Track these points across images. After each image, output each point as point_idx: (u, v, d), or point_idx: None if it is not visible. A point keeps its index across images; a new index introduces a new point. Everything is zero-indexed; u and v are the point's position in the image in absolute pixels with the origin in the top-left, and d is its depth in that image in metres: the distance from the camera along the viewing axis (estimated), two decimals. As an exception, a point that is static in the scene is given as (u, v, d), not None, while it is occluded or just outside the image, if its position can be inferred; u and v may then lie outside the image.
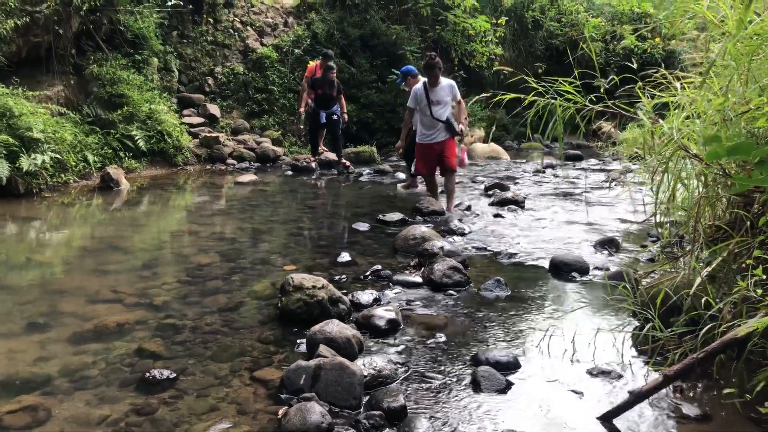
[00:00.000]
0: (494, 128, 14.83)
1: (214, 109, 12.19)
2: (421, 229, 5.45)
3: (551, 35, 17.95)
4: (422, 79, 8.55)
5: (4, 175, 7.18)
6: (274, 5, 14.66)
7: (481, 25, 15.28)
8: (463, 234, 5.93)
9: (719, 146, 1.54)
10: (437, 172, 7.32)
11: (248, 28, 13.80)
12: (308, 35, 13.99)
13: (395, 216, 6.51)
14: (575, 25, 17.89)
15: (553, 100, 3.76)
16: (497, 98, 4.12)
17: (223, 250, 5.28)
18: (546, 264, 4.90)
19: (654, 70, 4.03)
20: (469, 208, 7.22)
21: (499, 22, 16.31)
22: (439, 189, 7.50)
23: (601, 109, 3.75)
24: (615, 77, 3.95)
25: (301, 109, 11.24)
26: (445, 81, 6.89)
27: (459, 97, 6.96)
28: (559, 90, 3.75)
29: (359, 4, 14.54)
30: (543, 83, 3.78)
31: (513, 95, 4.03)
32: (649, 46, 16.27)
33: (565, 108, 3.72)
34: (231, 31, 13.41)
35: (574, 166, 11.70)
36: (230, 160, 11.06)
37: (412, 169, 8.13)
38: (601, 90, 3.74)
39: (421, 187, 8.24)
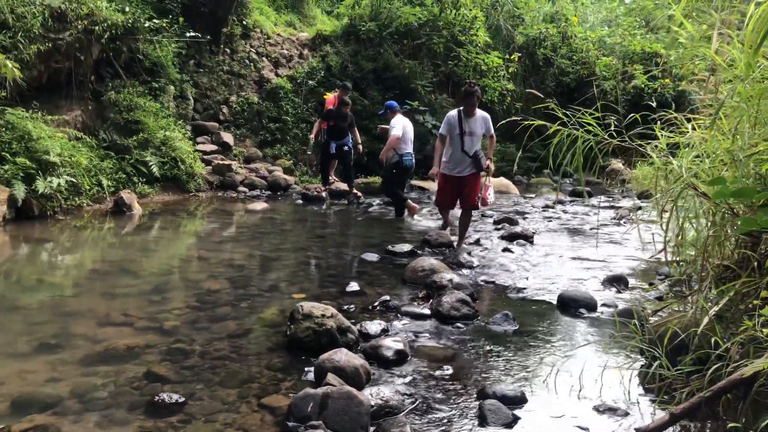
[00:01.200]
0: (515, 164, 14.93)
1: (227, 137, 12.37)
2: (430, 261, 5.49)
3: (562, 72, 18.18)
4: (401, 116, 9.01)
5: (20, 197, 7.31)
6: (290, 37, 14.99)
7: (494, 61, 15.52)
8: (471, 267, 5.97)
9: (724, 188, 1.60)
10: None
11: (264, 59, 14.09)
12: (322, 67, 14.26)
13: (404, 247, 6.56)
14: (586, 63, 18.13)
15: (575, 131, 3.82)
16: (524, 124, 4.16)
17: (232, 277, 5.33)
18: (554, 299, 4.92)
19: (664, 111, 4.11)
20: (478, 241, 7.26)
21: (511, 58, 16.57)
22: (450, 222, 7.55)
23: (618, 143, 3.80)
24: (636, 115, 4.01)
25: (312, 136, 11.41)
26: (480, 113, 6.66)
27: (492, 131, 6.74)
28: (579, 121, 3.81)
29: (374, 38, 14.86)
30: (563, 115, 3.84)
31: (537, 122, 4.08)
32: (660, 86, 16.43)
33: (585, 140, 3.77)
34: (247, 61, 13.69)
35: (584, 202, 11.74)
36: (242, 188, 11.19)
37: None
38: (612, 126, 3.81)
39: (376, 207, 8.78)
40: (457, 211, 7.29)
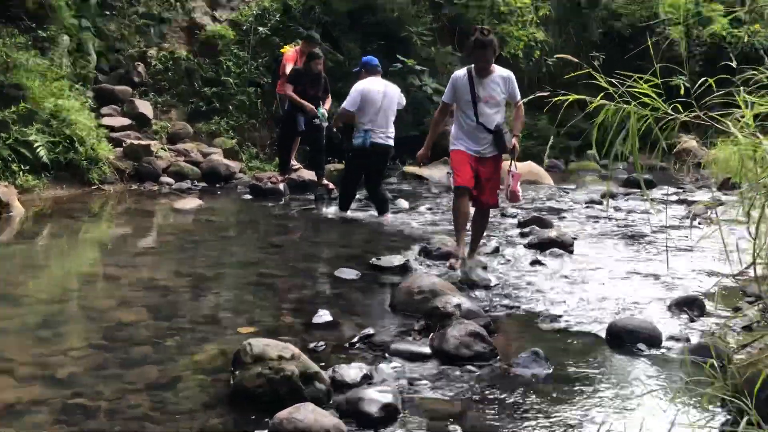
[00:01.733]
0: (549, 145, 15.04)
1: (144, 106, 12.35)
2: (431, 280, 5.50)
3: (612, 16, 18.33)
4: (373, 79, 8.97)
5: None
6: (233, -34, 14.99)
7: (518, 0, 15.58)
8: (488, 287, 6.00)
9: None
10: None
11: (196, -4, 14.09)
12: (278, 8, 14.27)
13: (394, 260, 6.58)
14: (645, 2, 18.27)
15: (625, 105, 3.84)
16: (556, 99, 4.19)
17: (153, 304, 5.31)
18: (602, 331, 4.95)
19: (754, 69, 4.15)
20: (497, 250, 7.30)
21: (542, -4, 16.68)
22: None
23: (686, 119, 3.83)
24: (711, 80, 4.04)
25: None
26: (499, 71, 6.62)
27: (519, 96, 6.66)
28: (633, 91, 3.83)
29: (349, -34, 14.88)
30: (614, 80, 3.87)
31: (576, 96, 4.10)
32: (747, 34, 16.60)
33: (641, 116, 3.80)
34: (171, 0, 13.65)
35: (644, 195, 11.80)
36: (166, 178, 11.17)
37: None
38: (682, 91, 3.85)
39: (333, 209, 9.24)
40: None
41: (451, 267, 6.49)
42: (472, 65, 6.58)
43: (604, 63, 15.42)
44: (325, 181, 11.01)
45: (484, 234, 7.17)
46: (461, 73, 6.67)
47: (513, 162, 6.79)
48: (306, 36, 11.53)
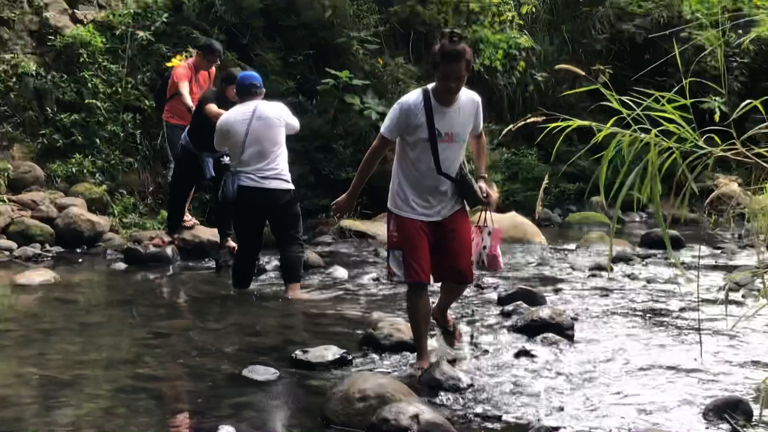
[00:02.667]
0: (541, 189, 15.19)
1: (-26, 141, 12.23)
2: (378, 380, 5.46)
3: (621, 16, 18.74)
4: (251, 102, 9.05)
5: None
6: (102, -53, 15.03)
7: (493, -6, 15.87)
8: (458, 389, 5.96)
9: None
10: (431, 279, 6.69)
11: (51, -12, 14.07)
12: (165, 5, 14.33)
13: (327, 353, 6.54)
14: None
15: (644, 135, 3.88)
16: (552, 126, 4.23)
17: (-16, 421, 5.19)
18: (614, 449, 4.95)
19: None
20: (472, 337, 7.29)
21: (526, -14, 16.99)
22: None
23: (724, 155, 3.88)
24: (755, 102, 4.10)
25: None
26: (466, 95, 6.40)
27: (481, 127, 6.62)
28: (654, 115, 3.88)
29: (264, -49, 15.03)
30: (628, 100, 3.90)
31: (579, 122, 4.13)
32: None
33: (664, 150, 3.84)
34: (16, -7, 13.64)
35: (668, 258, 11.94)
36: (5, 241, 11.04)
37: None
38: (717, 116, 3.93)
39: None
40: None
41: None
42: (430, 86, 6.34)
43: (611, 78, 15.76)
44: (231, 243, 10.98)
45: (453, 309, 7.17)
46: (414, 97, 6.37)
47: (488, 215, 6.79)
48: (204, 44, 11.55)
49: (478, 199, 6.55)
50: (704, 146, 3.80)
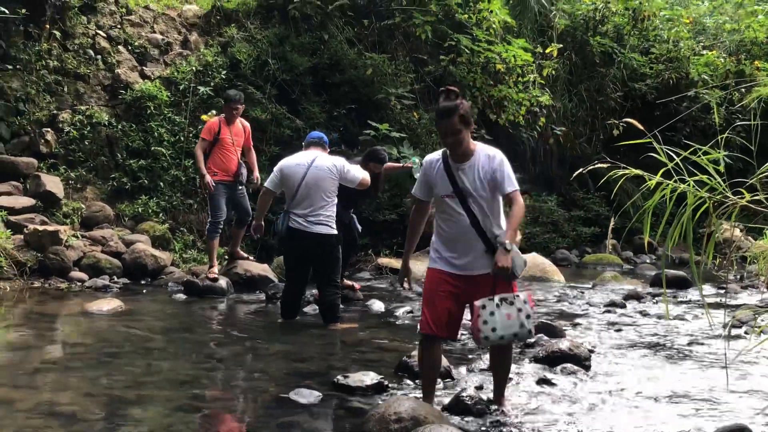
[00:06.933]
0: (610, 231, 15.09)
1: (53, 183, 12.32)
2: (411, 405, 5.42)
3: (633, 76, 18.72)
4: (306, 152, 9.08)
5: None
6: (168, 12, 15.20)
7: (518, 57, 15.88)
8: (482, 413, 5.92)
9: None
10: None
11: (121, 48, 14.23)
12: (223, 64, 14.43)
13: (366, 378, 6.52)
14: (675, 60, 18.69)
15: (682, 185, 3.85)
16: (610, 174, 4.18)
17: (56, 436, 5.19)
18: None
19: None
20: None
21: (547, 51, 17.00)
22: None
23: (749, 204, 3.85)
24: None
25: (207, 179, 11.19)
26: (482, 150, 5.91)
27: (509, 187, 5.84)
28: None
29: (312, 15, 15.14)
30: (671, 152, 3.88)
31: (635, 171, 4.08)
32: (800, 97, 16.98)
33: (699, 199, 3.81)
34: (91, 52, 13.82)
35: (676, 296, 11.86)
36: (77, 273, 11.07)
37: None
38: (722, 167, 3.90)
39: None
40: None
41: None
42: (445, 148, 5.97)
43: (624, 133, 15.73)
44: (347, 282, 10.90)
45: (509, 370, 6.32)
46: (435, 156, 6.05)
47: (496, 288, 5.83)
48: (232, 96, 11.43)
49: (513, 276, 5.71)
50: (730, 197, 3.78)
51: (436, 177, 5.88)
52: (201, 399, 6.26)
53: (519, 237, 6.38)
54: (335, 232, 9.07)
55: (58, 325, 8.94)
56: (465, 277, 5.85)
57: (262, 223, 9.46)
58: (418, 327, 6.24)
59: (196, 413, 5.90)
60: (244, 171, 11.38)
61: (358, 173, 9.24)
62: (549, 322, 8.90)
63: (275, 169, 9.18)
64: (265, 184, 9.19)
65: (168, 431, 5.44)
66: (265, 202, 9.27)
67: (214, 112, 12.57)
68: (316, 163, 8.98)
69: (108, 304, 9.52)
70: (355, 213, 10.74)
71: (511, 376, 7.01)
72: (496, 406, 6.02)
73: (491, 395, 6.33)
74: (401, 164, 11.47)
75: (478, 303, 5.67)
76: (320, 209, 8.90)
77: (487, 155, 5.84)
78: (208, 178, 11.10)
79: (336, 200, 9.13)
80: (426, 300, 5.94)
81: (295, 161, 9.07)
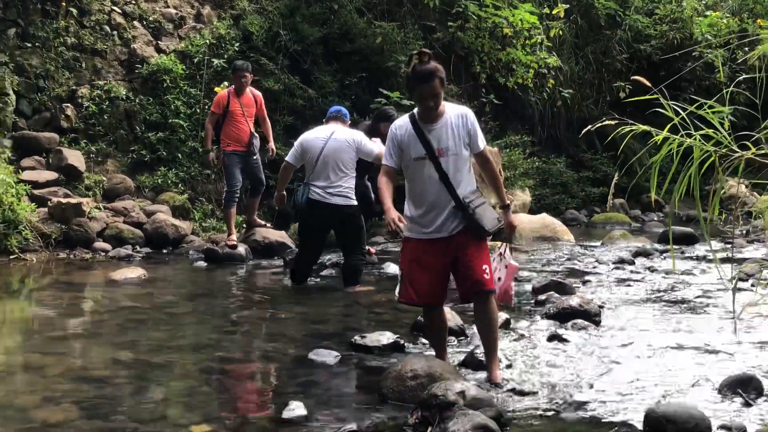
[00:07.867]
0: (612, 187, 15.09)
1: (74, 157, 12.36)
2: (427, 362, 5.48)
3: (638, 37, 18.61)
4: (324, 127, 9.19)
5: None
6: (180, -13, 15.15)
7: (525, 20, 15.80)
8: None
9: None
10: (445, 299, 6.08)
11: (136, 23, 14.22)
12: (236, 36, 14.42)
13: (382, 338, 6.56)
14: (678, 21, 18.58)
15: (685, 138, 3.85)
16: (618, 130, 4.18)
17: (85, 399, 5.26)
18: (638, 420, 4.93)
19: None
20: (507, 323, 7.28)
21: (553, 13, 16.90)
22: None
23: (754, 157, 3.84)
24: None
25: (210, 155, 11.42)
26: (452, 110, 5.88)
27: (482, 144, 5.88)
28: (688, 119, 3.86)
29: (322, -14, 15.08)
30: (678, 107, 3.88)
31: (642, 127, 4.05)
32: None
33: (705, 152, 3.80)
34: (107, 28, 13.81)
35: (684, 252, 11.87)
36: (101, 244, 11.14)
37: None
38: (726, 124, 3.89)
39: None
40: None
41: None
42: (415, 110, 5.90)
43: (631, 93, 15.68)
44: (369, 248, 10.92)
45: (498, 337, 5.98)
46: (401, 123, 5.94)
47: (506, 246, 6.17)
48: (240, 66, 11.44)
49: (484, 231, 5.77)
50: (736, 150, 3.77)
51: (408, 141, 5.79)
52: (224, 361, 6.31)
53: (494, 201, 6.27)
54: (354, 203, 9.14)
55: (85, 294, 9.02)
56: (440, 240, 5.80)
57: (284, 193, 9.50)
58: (396, 294, 6.24)
59: (219, 375, 5.96)
60: (257, 141, 11.40)
61: (375, 147, 9.24)
62: (559, 279, 8.94)
63: (296, 143, 9.27)
64: (286, 158, 9.24)
65: (194, 392, 5.51)
66: (285, 175, 9.34)
67: (226, 83, 12.59)
68: (335, 136, 9.05)
69: (131, 273, 9.60)
70: (370, 180, 10.75)
71: (523, 333, 7.09)
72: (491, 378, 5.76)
73: (504, 351, 6.36)
74: None
75: (513, 264, 5.98)
76: (339, 181, 8.98)
77: (458, 114, 5.81)
78: (212, 155, 11.29)
79: (355, 173, 9.19)
80: (405, 271, 5.96)
81: (315, 135, 9.15)
